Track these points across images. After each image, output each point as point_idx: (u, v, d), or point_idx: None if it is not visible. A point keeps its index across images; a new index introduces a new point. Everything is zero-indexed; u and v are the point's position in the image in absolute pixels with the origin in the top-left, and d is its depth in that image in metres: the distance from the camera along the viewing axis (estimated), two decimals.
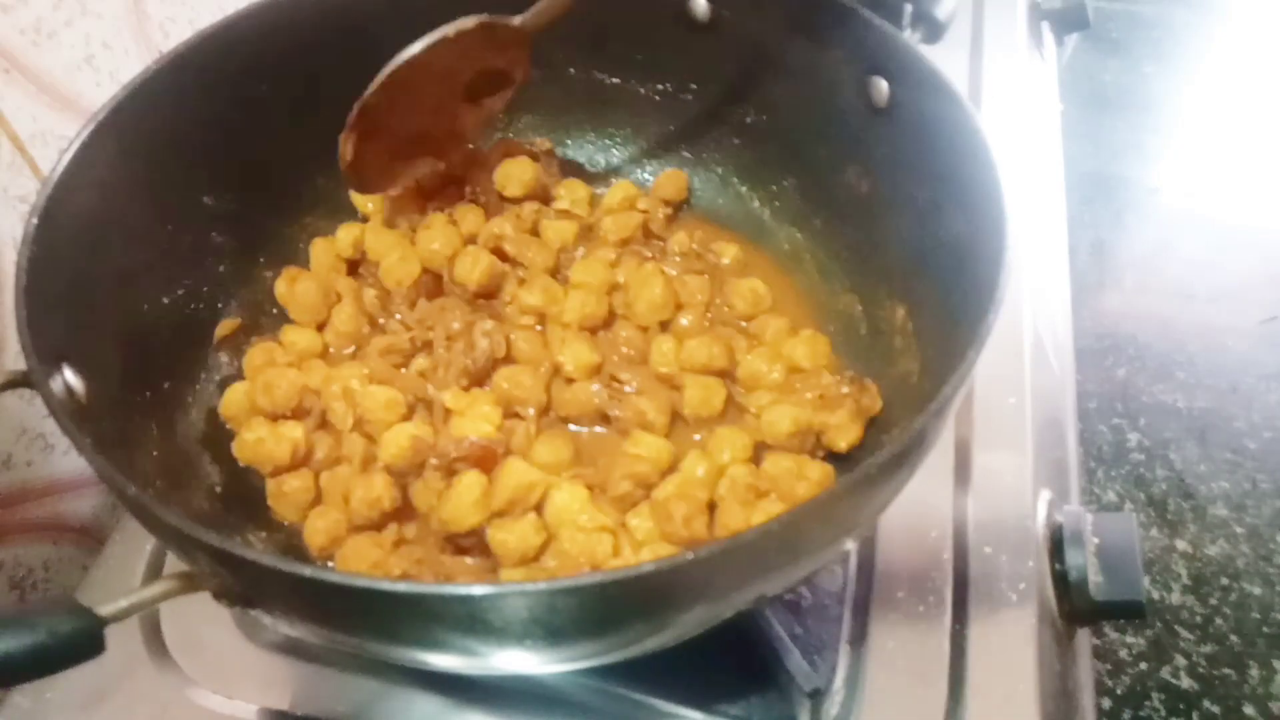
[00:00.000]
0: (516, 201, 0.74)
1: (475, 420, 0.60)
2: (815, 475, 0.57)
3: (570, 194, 0.75)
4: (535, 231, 0.73)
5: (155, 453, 0.57)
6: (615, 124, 0.79)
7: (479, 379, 0.64)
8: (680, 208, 0.77)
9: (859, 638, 0.59)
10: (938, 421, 0.43)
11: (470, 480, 0.56)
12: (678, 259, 0.72)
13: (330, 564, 0.57)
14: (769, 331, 0.67)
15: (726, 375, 0.65)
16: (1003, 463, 0.68)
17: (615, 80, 0.76)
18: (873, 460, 0.40)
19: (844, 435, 0.59)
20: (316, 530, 0.57)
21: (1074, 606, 0.63)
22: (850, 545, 0.56)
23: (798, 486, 0.57)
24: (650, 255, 0.72)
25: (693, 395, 0.63)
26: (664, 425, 0.62)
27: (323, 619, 0.42)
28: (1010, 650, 0.58)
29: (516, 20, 0.63)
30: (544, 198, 0.74)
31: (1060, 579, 0.64)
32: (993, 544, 0.63)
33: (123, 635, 0.60)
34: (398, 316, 0.68)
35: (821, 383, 0.61)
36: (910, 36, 0.59)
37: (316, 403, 0.62)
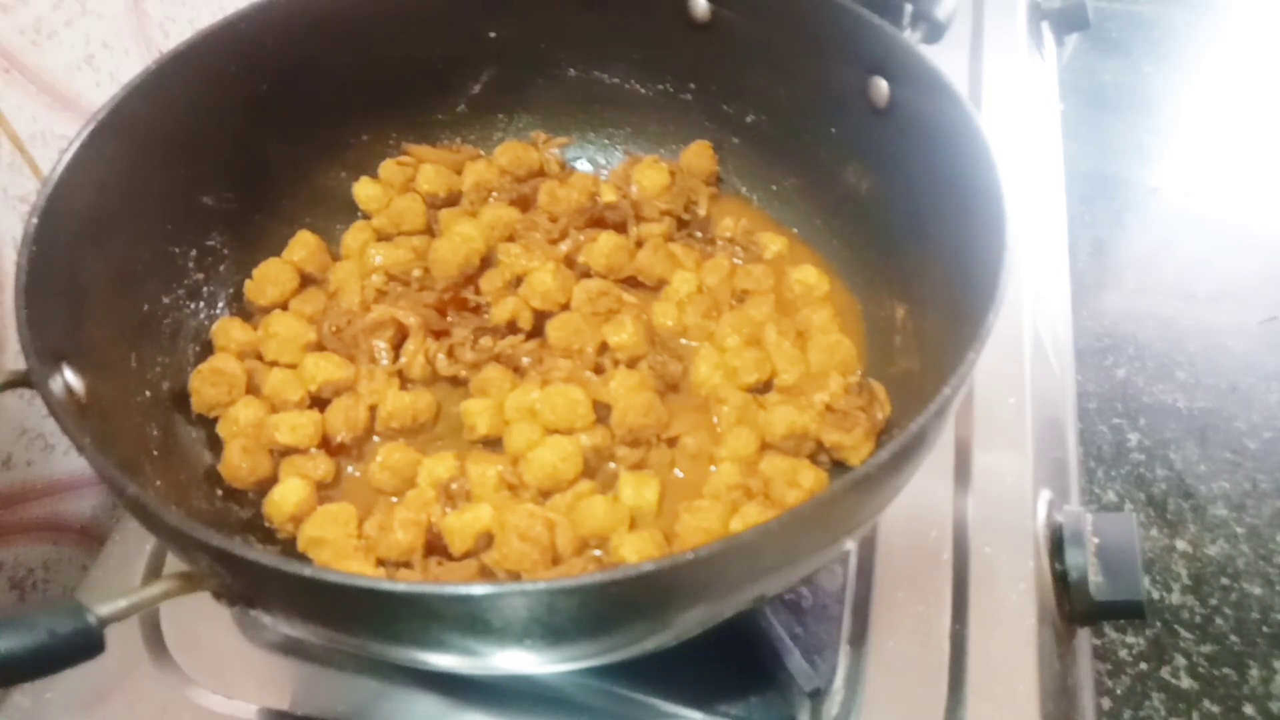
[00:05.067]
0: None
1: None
2: (807, 483, 0.57)
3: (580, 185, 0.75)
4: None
5: (155, 453, 0.57)
6: (615, 124, 0.79)
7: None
8: (718, 184, 0.77)
9: (859, 638, 0.59)
10: (938, 421, 0.43)
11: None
12: (735, 247, 0.73)
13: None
14: (814, 323, 0.67)
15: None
16: (1003, 463, 0.68)
17: (615, 80, 0.76)
18: (872, 460, 0.40)
19: (857, 453, 0.59)
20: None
21: (1074, 606, 0.63)
22: (850, 545, 0.56)
23: (788, 493, 0.57)
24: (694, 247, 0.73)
25: (729, 414, 0.62)
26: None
27: (323, 619, 0.42)
28: (1010, 650, 0.58)
29: None
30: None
31: (1060, 579, 0.64)
32: (993, 544, 0.63)
33: (123, 635, 0.60)
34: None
35: (829, 387, 0.61)
36: (910, 36, 0.59)
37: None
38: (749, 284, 0.69)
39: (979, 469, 0.67)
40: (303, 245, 0.70)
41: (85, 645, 0.37)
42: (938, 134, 0.56)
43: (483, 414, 0.62)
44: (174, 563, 0.63)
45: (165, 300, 0.63)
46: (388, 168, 0.75)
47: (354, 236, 0.72)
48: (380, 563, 0.56)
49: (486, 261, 0.70)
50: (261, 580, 0.39)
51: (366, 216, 0.74)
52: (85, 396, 0.49)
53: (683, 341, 0.68)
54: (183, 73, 0.60)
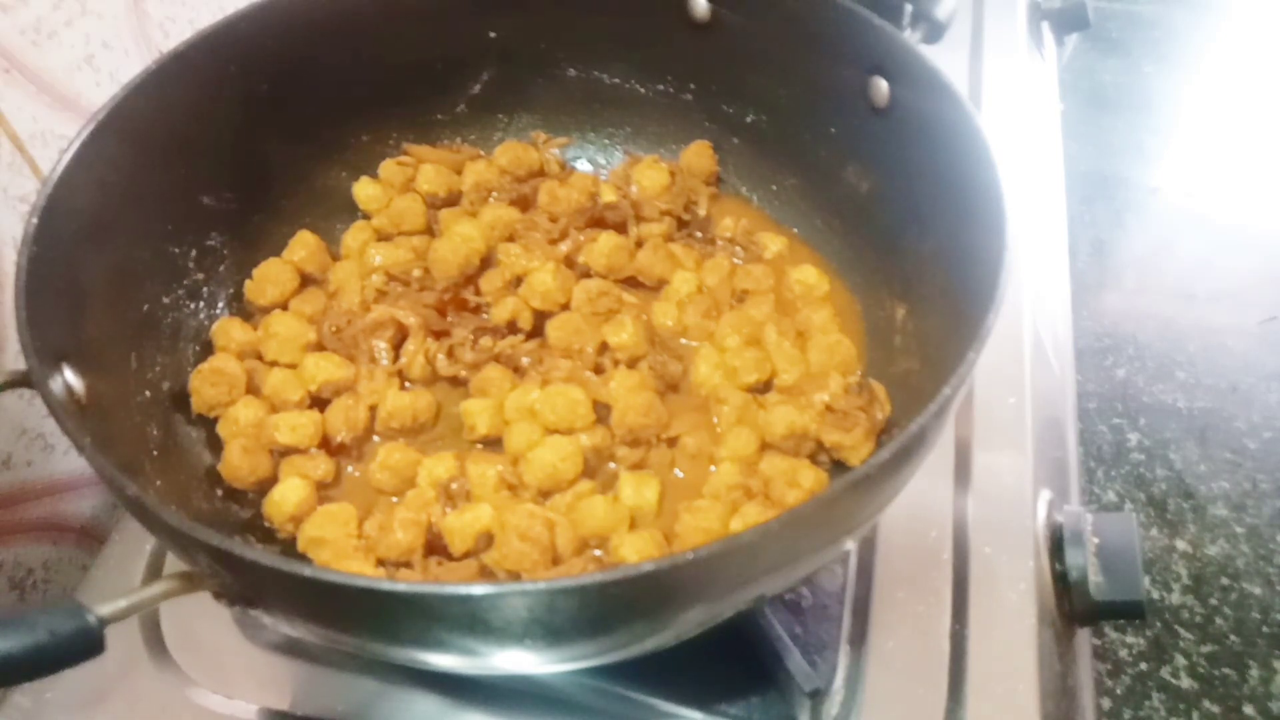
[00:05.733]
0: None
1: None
2: (807, 483, 0.57)
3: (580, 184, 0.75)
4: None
5: (155, 453, 0.57)
6: (615, 124, 0.79)
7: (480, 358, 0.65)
8: (718, 184, 0.77)
9: (859, 638, 0.59)
10: (938, 421, 0.43)
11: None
12: (735, 247, 0.73)
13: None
14: (814, 323, 0.67)
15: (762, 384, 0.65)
16: (1003, 463, 0.68)
17: (615, 80, 0.76)
18: (872, 460, 0.40)
19: (857, 454, 0.60)
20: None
21: (1074, 606, 0.63)
22: (850, 545, 0.56)
23: (788, 493, 0.57)
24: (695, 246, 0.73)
25: (729, 414, 0.62)
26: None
27: (323, 619, 0.42)
28: (1010, 650, 0.58)
29: None
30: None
31: (1060, 579, 0.64)
32: (993, 544, 0.63)
33: (123, 635, 0.60)
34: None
35: (830, 387, 0.61)
36: (910, 36, 0.59)
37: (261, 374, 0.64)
38: (749, 284, 0.69)
39: (979, 469, 0.67)
40: (303, 245, 0.70)
41: (85, 645, 0.37)
42: (938, 134, 0.56)
43: (483, 414, 0.62)
44: (174, 563, 0.63)
45: (165, 300, 0.63)
46: (388, 168, 0.75)
47: (354, 236, 0.73)
48: (380, 563, 0.56)
49: (486, 261, 0.71)
50: (261, 580, 0.39)
51: (366, 216, 0.74)
52: (85, 396, 0.49)
53: (683, 341, 0.68)
54: (183, 73, 0.60)
